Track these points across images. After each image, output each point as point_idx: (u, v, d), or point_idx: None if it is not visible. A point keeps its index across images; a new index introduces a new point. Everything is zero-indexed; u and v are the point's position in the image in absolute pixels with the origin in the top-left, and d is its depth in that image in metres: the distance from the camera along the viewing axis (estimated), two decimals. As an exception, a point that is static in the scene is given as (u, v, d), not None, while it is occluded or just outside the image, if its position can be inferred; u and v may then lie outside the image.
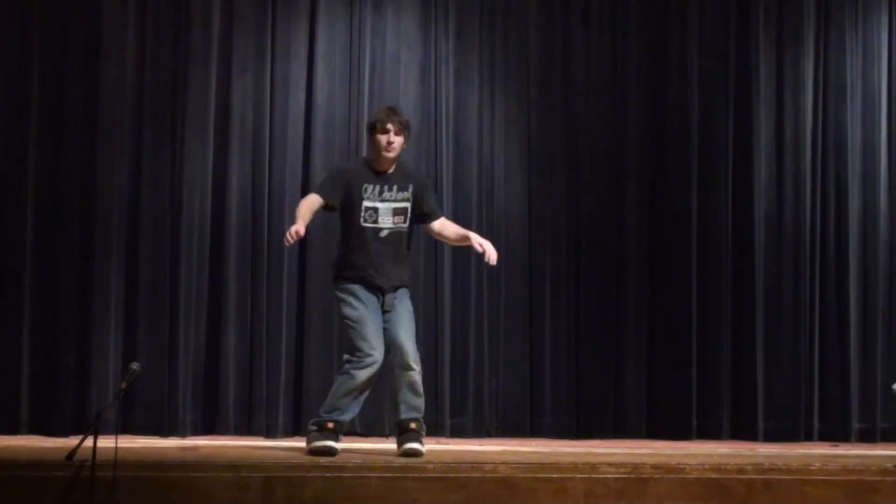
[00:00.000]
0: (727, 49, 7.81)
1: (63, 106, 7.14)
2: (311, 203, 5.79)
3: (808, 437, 7.54)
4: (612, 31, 7.80)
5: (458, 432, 7.31)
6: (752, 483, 5.25)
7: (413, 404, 5.78)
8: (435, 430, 7.23)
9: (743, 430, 7.53)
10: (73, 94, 7.14)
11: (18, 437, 6.77)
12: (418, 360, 5.83)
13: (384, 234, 5.78)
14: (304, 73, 7.41)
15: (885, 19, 7.91)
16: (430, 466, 5.20)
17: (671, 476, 5.23)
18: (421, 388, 5.83)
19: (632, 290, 7.62)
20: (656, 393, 7.60)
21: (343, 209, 5.83)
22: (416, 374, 5.78)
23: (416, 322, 7.42)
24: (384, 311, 5.77)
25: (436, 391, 7.36)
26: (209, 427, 7.12)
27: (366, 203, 5.77)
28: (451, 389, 7.40)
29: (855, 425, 7.58)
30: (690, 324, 7.59)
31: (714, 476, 5.27)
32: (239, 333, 7.21)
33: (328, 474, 5.07)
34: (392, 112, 5.88)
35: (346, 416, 5.75)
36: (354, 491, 5.02)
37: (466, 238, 5.98)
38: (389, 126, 5.78)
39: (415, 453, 5.60)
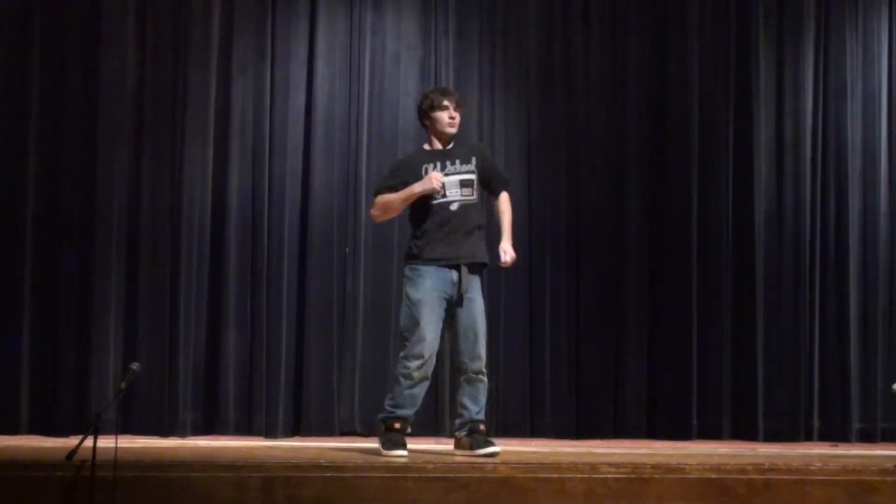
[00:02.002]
0: (727, 49, 7.81)
1: (63, 106, 7.14)
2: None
3: (808, 437, 7.54)
4: (612, 32, 7.81)
5: (458, 432, 7.30)
6: (753, 483, 5.24)
7: (482, 404, 5.69)
8: (435, 430, 7.25)
9: (743, 430, 7.53)
10: (73, 94, 7.14)
11: (18, 437, 6.77)
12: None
13: (455, 206, 5.63)
14: (304, 73, 7.42)
15: (885, 19, 7.93)
16: (430, 466, 5.19)
17: (671, 476, 5.23)
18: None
19: (632, 290, 7.62)
20: (656, 393, 7.60)
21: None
22: (485, 374, 5.69)
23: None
24: (460, 293, 5.60)
25: (436, 391, 7.35)
26: (209, 427, 7.12)
27: None
28: (451, 389, 7.38)
29: (855, 425, 7.59)
30: (690, 324, 7.60)
31: (714, 476, 5.26)
32: (239, 333, 7.21)
33: (328, 474, 5.06)
34: (445, 90, 5.91)
35: (411, 411, 5.67)
36: (354, 491, 5.01)
37: (502, 233, 5.83)
38: (447, 102, 5.73)
39: (495, 454, 5.53)
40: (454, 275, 5.61)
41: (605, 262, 7.65)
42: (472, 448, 5.59)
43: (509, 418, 7.45)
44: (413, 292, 5.61)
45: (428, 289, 5.59)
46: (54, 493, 4.83)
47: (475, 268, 5.68)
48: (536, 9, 7.74)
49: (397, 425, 5.63)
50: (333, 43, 7.48)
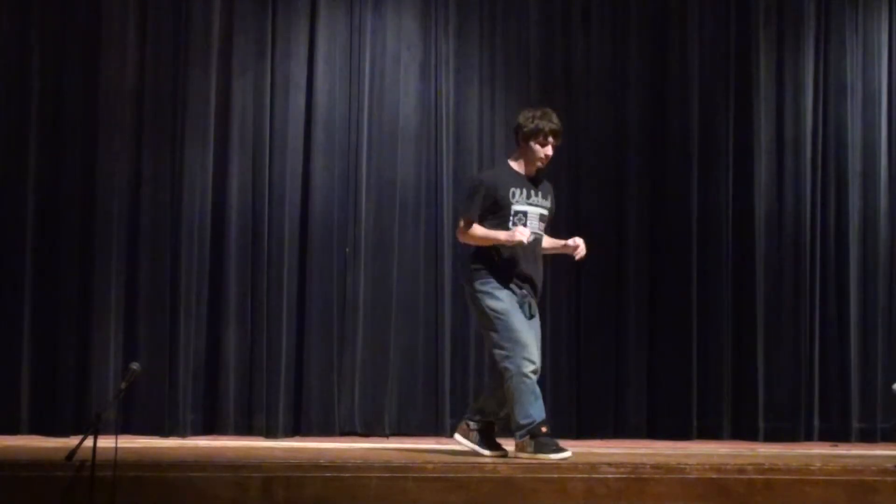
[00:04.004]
0: (727, 49, 7.81)
1: (63, 106, 7.14)
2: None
3: (808, 437, 7.54)
4: (612, 31, 7.81)
5: (458, 432, 7.30)
6: (753, 483, 5.24)
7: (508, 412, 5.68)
8: (435, 430, 7.25)
9: (743, 430, 7.54)
10: (73, 95, 7.14)
11: (18, 437, 6.77)
12: None
13: (530, 238, 5.62)
14: (304, 73, 7.41)
15: (885, 19, 7.92)
16: (430, 466, 5.19)
17: (671, 476, 5.23)
18: None
19: (632, 290, 7.62)
20: (656, 393, 7.60)
21: (490, 213, 5.64)
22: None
23: (416, 322, 7.49)
24: (531, 314, 5.64)
25: (436, 391, 7.37)
26: (209, 427, 7.12)
27: (515, 207, 5.64)
28: (452, 389, 7.40)
29: (855, 425, 7.59)
30: (691, 324, 7.60)
31: (714, 476, 5.26)
32: (239, 333, 7.21)
33: (328, 474, 5.06)
34: (557, 129, 5.73)
35: (544, 413, 5.62)
36: (354, 491, 5.01)
37: (558, 243, 5.87)
38: (552, 140, 5.70)
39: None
40: (520, 299, 5.61)
41: (605, 262, 7.64)
42: (477, 444, 5.63)
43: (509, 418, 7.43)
44: (496, 304, 5.57)
45: (508, 297, 5.57)
46: (54, 493, 4.84)
47: (536, 292, 5.71)
48: (536, 9, 7.74)
49: (544, 429, 5.57)
50: (333, 43, 7.48)
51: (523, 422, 5.55)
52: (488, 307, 5.58)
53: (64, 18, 7.18)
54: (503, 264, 5.61)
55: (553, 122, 5.72)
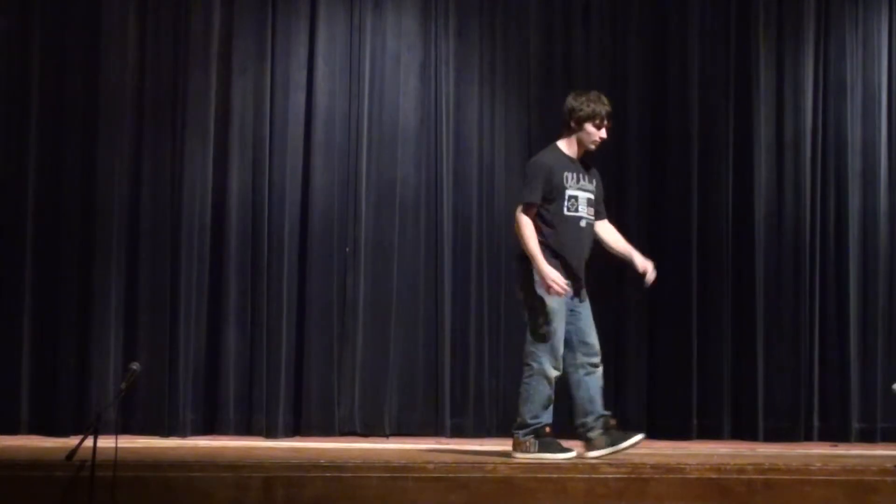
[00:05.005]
0: (727, 49, 7.81)
1: (63, 105, 7.14)
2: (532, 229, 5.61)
3: (808, 437, 7.54)
4: (612, 31, 7.81)
5: (458, 432, 7.31)
6: (753, 483, 5.24)
7: (602, 401, 5.70)
8: (435, 430, 7.25)
9: (743, 430, 7.53)
10: (73, 94, 7.14)
11: (18, 437, 6.77)
12: None
13: (583, 223, 5.66)
14: (304, 73, 7.41)
15: (885, 19, 7.92)
16: (430, 466, 5.19)
17: (671, 476, 5.23)
18: None
19: (631, 290, 7.61)
20: (656, 393, 7.60)
21: (546, 198, 5.61)
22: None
23: (415, 322, 7.49)
24: (578, 302, 5.66)
25: (436, 391, 7.37)
26: (209, 427, 7.12)
27: (569, 192, 5.64)
28: (452, 389, 7.40)
29: (855, 425, 7.58)
30: (690, 324, 7.59)
31: (714, 476, 5.26)
32: (239, 333, 7.21)
33: (328, 474, 5.06)
34: (610, 111, 5.74)
35: (551, 417, 5.67)
36: (354, 491, 5.01)
37: (629, 252, 5.85)
38: (607, 123, 5.71)
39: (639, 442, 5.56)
40: (573, 285, 5.61)
41: (604, 262, 7.62)
42: (613, 444, 5.58)
43: (509, 418, 7.39)
44: (549, 300, 5.55)
45: (559, 299, 5.55)
46: (54, 493, 4.84)
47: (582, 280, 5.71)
48: (536, 9, 7.74)
49: (548, 430, 5.60)
50: (333, 43, 7.48)
51: (530, 421, 5.58)
52: (540, 299, 5.57)
53: (64, 18, 7.18)
54: (555, 260, 5.58)
55: (607, 105, 5.73)
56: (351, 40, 7.49)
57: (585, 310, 5.70)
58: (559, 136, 5.80)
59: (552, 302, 5.53)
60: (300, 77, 7.41)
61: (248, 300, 7.23)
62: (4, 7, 7.16)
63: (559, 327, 5.57)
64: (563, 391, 7.43)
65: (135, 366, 5.11)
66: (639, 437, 5.63)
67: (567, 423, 5.84)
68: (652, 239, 7.71)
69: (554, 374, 5.58)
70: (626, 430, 5.78)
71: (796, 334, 7.64)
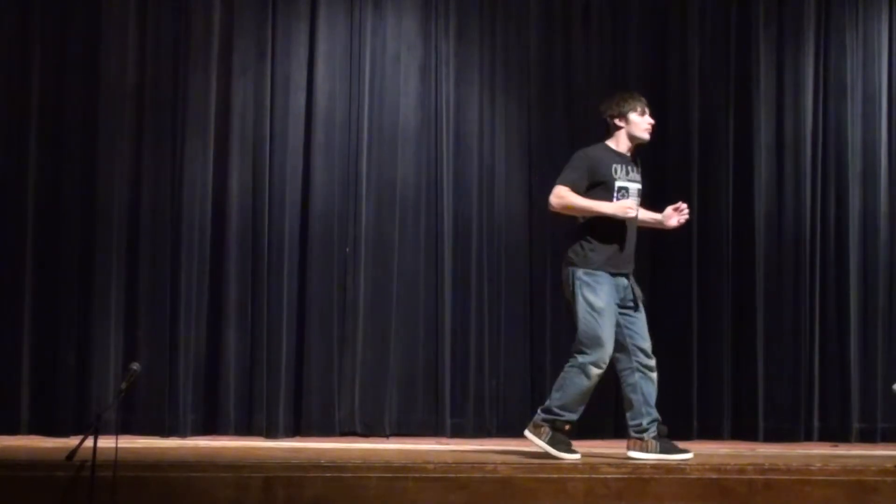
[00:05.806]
0: (727, 49, 7.81)
1: (63, 106, 7.14)
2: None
3: (808, 437, 7.54)
4: (612, 31, 7.81)
5: (458, 432, 7.31)
6: (753, 483, 5.25)
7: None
8: (435, 430, 7.25)
9: (743, 430, 7.53)
10: (73, 94, 7.14)
11: (18, 437, 6.78)
12: None
13: (633, 213, 5.71)
14: (304, 73, 7.41)
15: (885, 19, 7.91)
16: (430, 466, 5.20)
17: (671, 476, 5.23)
18: None
19: (631, 289, 7.62)
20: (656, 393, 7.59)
21: (592, 193, 5.68)
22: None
23: (416, 322, 7.49)
24: (632, 299, 5.70)
25: (436, 391, 7.37)
26: (209, 427, 7.12)
27: (618, 183, 5.70)
28: (452, 389, 7.40)
29: (855, 425, 7.58)
30: (691, 324, 7.59)
31: (714, 476, 5.27)
32: (239, 333, 7.21)
33: (328, 474, 5.07)
34: (642, 97, 5.87)
35: (577, 415, 5.66)
36: (354, 491, 5.02)
37: (652, 216, 5.97)
38: (647, 109, 5.79)
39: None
40: (623, 280, 5.69)
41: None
42: (664, 452, 5.58)
43: (509, 418, 7.44)
44: (595, 300, 5.60)
45: (608, 297, 5.62)
46: (54, 493, 4.84)
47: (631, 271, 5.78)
48: (536, 9, 7.74)
49: (567, 427, 5.62)
50: (333, 43, 7.47)
51: (556, 410, 5.59)
52: (586, 299, 5.62)
53: (64, 18, 7.18)
54: (604, 252, 5.65)
55: (642, 97, 5.88)
56: (351, 41, 7.49)
57: (641, 317, 5.75)
58: (605, 139, 5.87)
59: (599, 301, 5.58)
60: (300, 77, 7.41)
61: (248, 300, 7.23)
62: (4, 7, 7.16)
63: (606, 325, 5.60)
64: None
65: (135, 366, 5.11)
66: (689, 455, 5.63)
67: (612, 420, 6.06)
68: (652, 239, 7.71)
69: (594, 371, 5.58)
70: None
71: (796, 334, 7.64)
